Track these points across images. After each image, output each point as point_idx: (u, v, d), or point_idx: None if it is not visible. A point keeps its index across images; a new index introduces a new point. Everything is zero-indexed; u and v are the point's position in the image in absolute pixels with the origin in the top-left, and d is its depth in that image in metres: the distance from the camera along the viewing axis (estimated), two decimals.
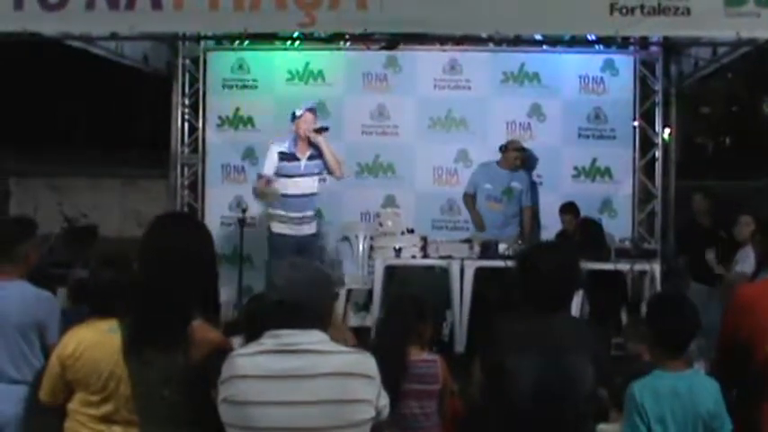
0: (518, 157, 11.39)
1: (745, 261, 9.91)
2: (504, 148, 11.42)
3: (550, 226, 11.65)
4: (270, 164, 10.13)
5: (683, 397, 4.51)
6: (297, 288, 3.76)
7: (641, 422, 4.44)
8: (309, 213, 10.22)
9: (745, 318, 4.73)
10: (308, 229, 10.22)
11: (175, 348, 3.91)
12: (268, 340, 3.74)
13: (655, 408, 4.46)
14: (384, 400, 3.83)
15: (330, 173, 10.28)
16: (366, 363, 3.81)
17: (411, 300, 6.03)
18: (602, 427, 5.36)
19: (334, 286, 5.31)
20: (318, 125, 10.24)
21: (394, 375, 5.26)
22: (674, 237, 11.97)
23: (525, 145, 11.71)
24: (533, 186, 11.70)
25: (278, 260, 9.40)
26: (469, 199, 11.59)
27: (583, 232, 10.77)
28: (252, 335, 4.19)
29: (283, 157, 10.11)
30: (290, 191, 10.06)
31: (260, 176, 10.26)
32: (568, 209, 11.33)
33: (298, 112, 10.19)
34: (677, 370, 4.62)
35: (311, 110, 10.29)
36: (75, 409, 4.96)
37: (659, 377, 4.60)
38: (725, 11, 8.27)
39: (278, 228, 10.06)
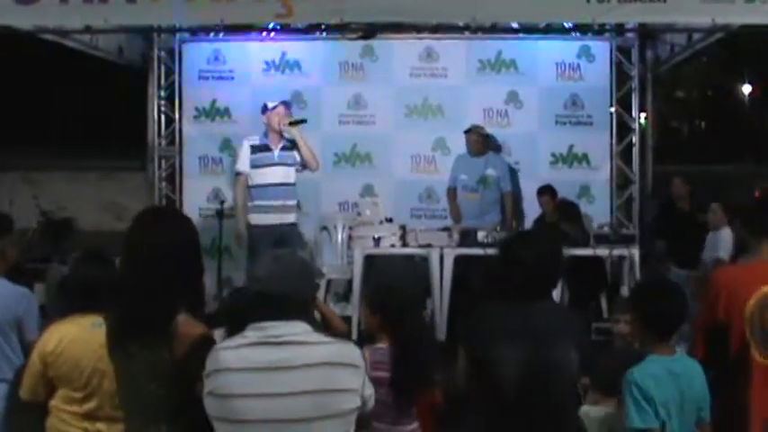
0: (477, 141, 11.40)
1: (718, 246, 10.02)
2: (466, 133, 11.45)
3: (529, 212, 11.69)
4: (244, 159, 10.17)
5: (680, 380, 4.53)
6: (280, 279, 3.76)
7: (649, 406, 4.46)
8: (290, 203, 10.19)
9: (725, 301, 4.75)
10: (290, 218, 10.19)
11: (161, 343, 3.90)
12: (252, 333, 3.74)
13: (658, 392, 4.47)
14: (369, 390, 3.84)
15: (305, 166, 10.26)
16: (351, 352, 3.81)
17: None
18: (584, 408, 5.39)
19: (316, 277, 5.29)
20: (295, 117, 10.25)
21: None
22: (652, 221, 11.97)
23: (502, 132, 11.74)
24: (512, 172, 11.70)
25: (258, 252, 9.42)
26: (451, 192, 11.65)
27: (561, 213, 10.84)
28: (234, 327, 4.18)
29: (256, 149, 10.13)
30: (268, 180, 10.06)
31: (238, 174, 10.27)
32: (545, 191, 11.39)
33: (270, 105, 10.18)
34: (668, 354, 4.64)
35: (285, 103, 10.28)
36: (57, 406, 4.94)
37: (655, 361, 4.60)
38: None
39: (257, 219, 10.04)
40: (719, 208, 10.27)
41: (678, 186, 11.22)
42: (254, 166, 10.10)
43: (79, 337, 4.88)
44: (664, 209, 11.73)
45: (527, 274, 4.56)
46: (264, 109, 10.24)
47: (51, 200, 14.20)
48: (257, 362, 3.67)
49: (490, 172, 11.37)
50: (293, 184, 10.24)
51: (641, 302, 4.86)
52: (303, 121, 10.26)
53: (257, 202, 10.07)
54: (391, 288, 5.82)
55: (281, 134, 10.11)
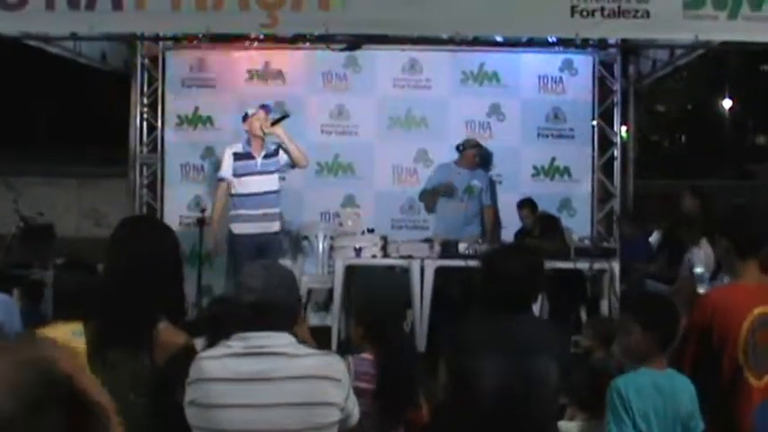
0: (476, 154, 11.40)
1: (699, 262, 9.95)
2: (462, 147, 11.42)
3: (510, 225, 11.69)
4: (226, 166, 10.14)
5: (666, 394, 4.55)
6: (271, 290, 3.78)
7: (627, 417, 4.47)
8: (273, 211, 10.16)
9: (716, 322, 4.73)
10: (273, 226, 10.17)
11: (141, 351, 3.90)
12: (236, 343, 3.75)
13: (639, 403, 4.49)
14: (353, 405, 3.85)
15: (295, 164, 10.24)
16: (335, 365, 3.83)
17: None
18: (562, 424, 5.40)
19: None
20: (275, 116, 10.26)
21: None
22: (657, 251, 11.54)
23: (484, 144, 11.73)
24: (492, 185, 11.71)
25: (239, 262, 9.39)
26: (426, 193, 11.63)
27: (541, 226, 10.88)
28: (216, 337, 4.19)
29: (238, 157, 10.11)
30: (250, 189, 10.04)
31: (220, 180, 10.25)
32: (525, 204, 11.43)
33: (250, 111, 10.18)
34: (659, 368, 4.67)
35: (264, 107, 10.27)
36: None
37: (642, 374, 4.62)
38: (683, 13, 8.38)
39: (238, 228, 10.00)
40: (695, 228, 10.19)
41: (688, 200, 10.53)
42: (236, 174, 10.06)
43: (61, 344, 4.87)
44: (669, 235, 11.05)
45: (508, 288, 4.60)
46: (245, 117, 10.23)
47: (31, 205, 14.15)
48: (240, 372, 3.68)
49: (476, 183, 11.35)
50: (277, 192, 10.21)
51: (641, 315, 4.87)
52: (285, 117, 10.29)
53: (239, 212, 10.04)
54: (378, 299, 5.85)
55: (263, 140, 10.09)
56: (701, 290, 5.38)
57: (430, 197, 11.53)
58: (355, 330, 5.68)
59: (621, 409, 4.51)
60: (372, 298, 6.04)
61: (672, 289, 9.61)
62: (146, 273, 4.02)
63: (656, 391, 4.55)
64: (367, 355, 5.46)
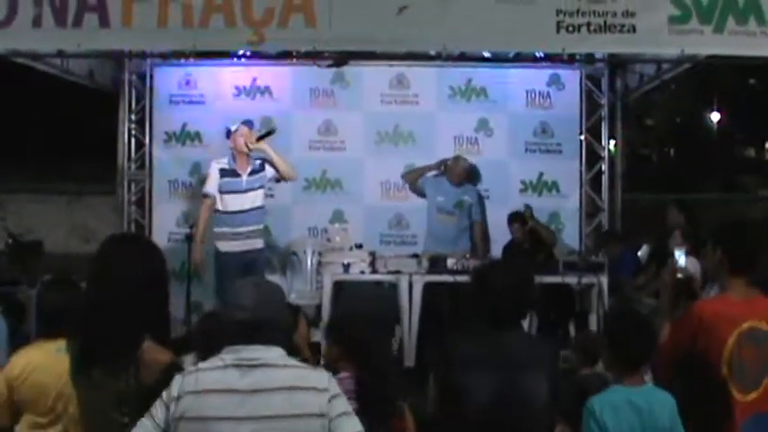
0: (465, 168, 11.40)
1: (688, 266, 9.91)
2: (449, 164, 11.43)
3: (499, 239, 11.67)
4: (212, 182, 10.07)
5: (643, 411, 4.55)
6: (262, 307, 3.78)
7: None
8: (257, 228, 10.12)
9: (704, 335, 4.73)
10: (257, 243, 10.15)
11: (126, 370, 3.89)
12: (227, 355, 3.76)
13: (614, 422, 4.50)
14: (344, 415, 3.82)
15: (284, 178, 10.25)
16: (317, 376, 3.83)
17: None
18: None
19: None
20: (260, 131, 10.25)
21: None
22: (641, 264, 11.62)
23: (473, 159, 11.73)
24: (481, 200, 11.69)
25: (226, 279, 9.37)
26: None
27: (531, 240, 10.86)
28: (206, 353, 4.18)
29: (225, 173, 10.05)
30: (235, 207, 9.99)
31: (205, 195, 10.22)
32: (516, 218, 11.41)
33: (232, 128, 10.15)
34: (634, 384, 4.67)
35: (246, 123, 10.23)
36: (22, 431, 4.92)
37: (617, 392, 4.64)
38: (669, 28, 8.41)
39: (224, 246, 9.96)
40: (679, 235, 10.21)
41: (674, 214, 10.73)
42: (222, 191, 10.02)
43: (45, 362, 4.88)
44: (658, 248, 11.24)
45: (499, 303, 4.60)
46: (228, 133, 10.20)
47: (19, 222, 14.14)
48: (230, 384, 3.69)
49: (466, 198, 11.35)
50: (262, 207, 10.16)
51: (614, 334, 4.89)
52: (271, 133, 10.28)
53: (224, 229, 9.99)
54: (354, 317, 5.83)
55: (248, 156, 10.06)
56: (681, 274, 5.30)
57: (416, 173, 11.60)
58: (329, 350, 5.67)
59: (596, 428, 4.52)
60: (351, 316, 5.99)
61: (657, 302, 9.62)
62: (130, 291, 4.02)
63: (632, 409, 4.56)
64: (345, 374, 5.45)
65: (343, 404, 3.85)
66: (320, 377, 3.83)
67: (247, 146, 9.97)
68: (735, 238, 5.00)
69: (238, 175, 10.00)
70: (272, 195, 10.37)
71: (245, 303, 3.81)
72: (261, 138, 10.08)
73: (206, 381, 3.70)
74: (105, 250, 4.23)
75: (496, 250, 11.38)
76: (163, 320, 4.28)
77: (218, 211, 10.05)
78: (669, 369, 4.91)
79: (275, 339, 3.81)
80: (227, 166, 10.06)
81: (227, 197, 9.99)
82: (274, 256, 11.35)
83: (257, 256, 10.11)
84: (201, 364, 3.87)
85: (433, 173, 11.56)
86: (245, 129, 10.07)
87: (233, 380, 3.70)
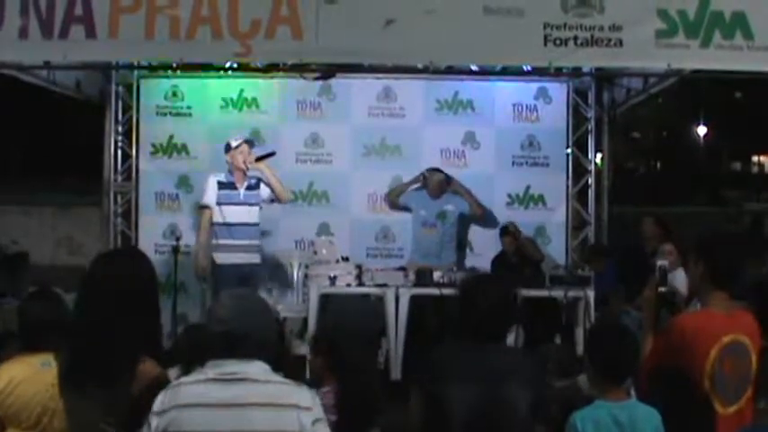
0: (439, 181, 11.43)
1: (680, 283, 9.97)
2: (426, 177, 11.50)
3: (485, 252, 11.69)
4: (211, 193, 10.17)
5: (625, 427, 4.56)
6: (240, 319, 3.79)
7: None
8: (255, 242, 10.27)
9: (686, 349, 4.74)
10: (254, 258, 10.26)
11: (118, 383, 3.89)
12: (210, 370, 3.75)
13: None
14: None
15: (277, 199, 10.36)
16: (300, 393, 3.82)
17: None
18: None
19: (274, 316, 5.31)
20: (261, 153, 10.28)
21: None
22: (616, 264, 11.74)
23: (459, 172, 11.76)
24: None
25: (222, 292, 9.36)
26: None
27: (519, 254, 10.86)
28: (190, 365, 4.18)
29: (222, 185, 10.15)
30: (233, 219, 10.11)
31: (202, 207, 10.23)
32: (507, 231, 11.44)
33: (233, 143, 10.19)
34: (617, 399, 4.67)
35: (248, 141, 10.28)
36: None
37: (599, 407, 4.64)
38: (656, 42, 8.42)
39: (223, 258, 10.04)
40: (673, 249, 10.25)
41: (648, 226, 11.13)
42: (219, 202, 10.11)
43: (29, 376, 4.86)
44: (628, 252, 11.61)
45: (483, 317, 4.61)
46: (228, 148, 10.23)
47: (5, 234, 14.09)
48: (213, 398, 3.70)
49: (449, 207, 11.37)
50: (257, 224, 10.30)
51: (596, 349, 4.89)
52: (272, 154, 10.33)
53: (221, 241, 10.08)
54: (340, 330, 5.83)
55: (245, 173, 10.12)
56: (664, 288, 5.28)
57: (396, 191, 11.72)
58: (316, 361, 5.67)
59: None
60: (335, 328, 6.00)
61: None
62: (123, 304, 4.04)
63: (615, 424, 4.57)
64: (327, 388, 5.45)
65: (325, 430, 3.85)
66: (303, 394, 3.82)
67: (246, 164, 10.02)
68: (717, 251, 5.00)
69: (236, 188, 10.13)
70: (260, 208, 10.36)
71: (221, 315, 3.81)
72: (260, 159, 10.11)
73: (188, 395, 3.70)
74: (98, 264, 4.25)
75: (483, 263, 11.36)
76: (153, 334, 4.28)
77: (216, 223, 10.10)
78: (651, 383, 4.92)
79: (256, 353, 3.79)
80: (224, 180, 10.16)
81: (225, 208, 10.10)
82: (276, 271, 11.32)
83: (254, 271, 10.19)
84: (184, 378, 3.87)
85: (415, 186, 11.62)
86: (246, 147, 10.15)
87: (214, 394, 3.69)
